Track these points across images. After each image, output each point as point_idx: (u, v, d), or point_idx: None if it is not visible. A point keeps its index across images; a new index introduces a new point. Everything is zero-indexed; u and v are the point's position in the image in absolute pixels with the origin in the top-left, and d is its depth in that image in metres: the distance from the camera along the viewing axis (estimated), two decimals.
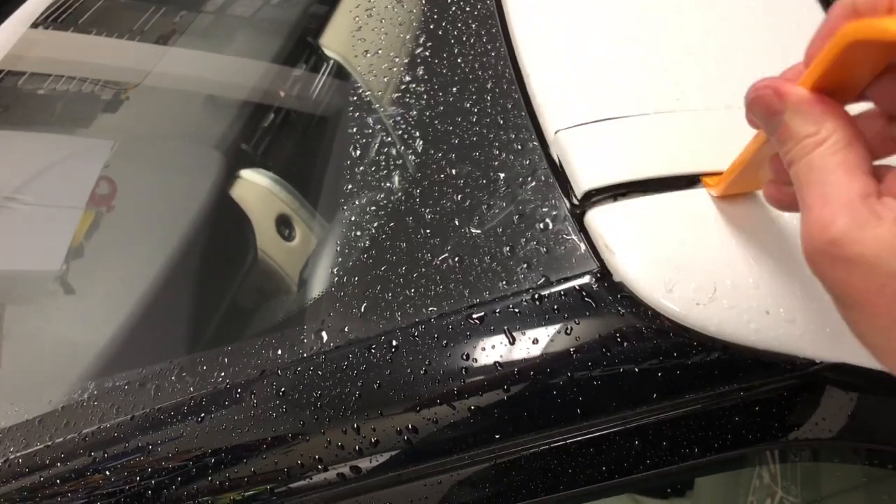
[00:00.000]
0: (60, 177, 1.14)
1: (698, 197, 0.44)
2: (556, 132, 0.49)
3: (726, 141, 0.46)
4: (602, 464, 0.44)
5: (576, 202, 0.46)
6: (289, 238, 0.96)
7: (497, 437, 0.44)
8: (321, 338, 0.49)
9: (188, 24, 1.35)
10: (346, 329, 0.48)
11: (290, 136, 1.10)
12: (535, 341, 0.44)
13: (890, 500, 0.72)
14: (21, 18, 1.38)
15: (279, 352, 0.50)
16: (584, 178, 0.46)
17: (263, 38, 1.30)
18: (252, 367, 0.50)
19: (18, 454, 0.53)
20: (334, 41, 0.99)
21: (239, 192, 1.01)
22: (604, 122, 0.48)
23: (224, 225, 0.99)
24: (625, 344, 0.42)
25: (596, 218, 0.45)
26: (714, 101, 0.49)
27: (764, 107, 0.33)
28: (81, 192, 1.06)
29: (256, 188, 1.03)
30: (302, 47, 1.17)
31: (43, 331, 0.93)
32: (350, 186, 0.57)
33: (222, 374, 0.51)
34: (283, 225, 0.97)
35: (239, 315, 0.89)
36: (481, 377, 0.44)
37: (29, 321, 0.96)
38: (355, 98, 0.63)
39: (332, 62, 1.06)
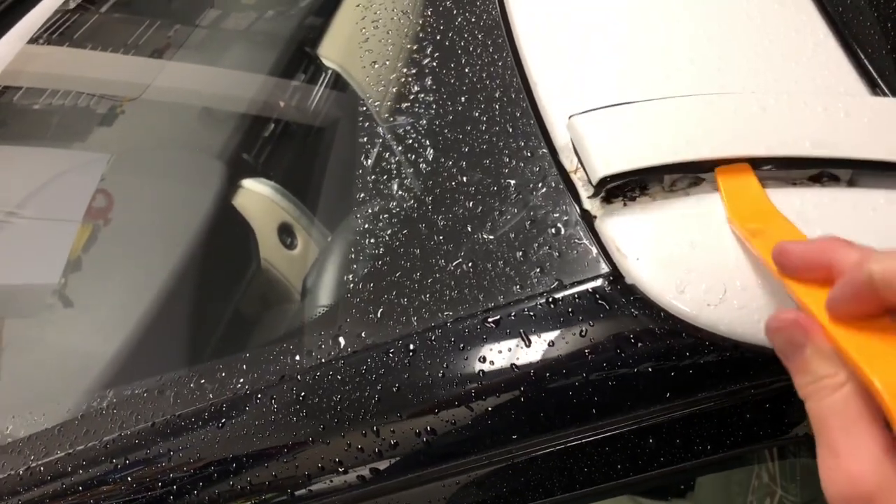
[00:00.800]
0: (57, 191, 1.14)
1: (707, 199, 0.46)
2: (569, 117, 0.48)
3: (747, 125, 0.47)
4: (617, 462, 0.45)
5: (588, 196, 0.47)
6: (291, 246, 0.97)
7: (514, 437, 0.45)
8: (339, 343, 0.49)
9: (184, 38, 1.36)
10: (363, 334, 0.49)
11: (291, 146, 1.11)
12: (551, 343, 0.45)
13: None
14: (19, 34, 1.38)
15: (298, 357, 0.51)
16: (598, 165, 0.45)
17: (260, 49, 1.31)
18: (271, 373, 0.51)
19: (39, 462, 0.54)
20: (333, 51, 1.01)
21: (241, 202, 1.02)
22: (617, 107, 0.48)
23: (227, 234, 1.00)
24: (638, 345, 0.43)
25: (607, 222, 0.46)
26: (726, 87, 0.50)
27: (787, 339, 0.35)
28: (78, 205, 1.06)
29: (258, 197, 1.03)
30: (299, 58, 1.18)
31: (42, 344, 0.93)
32: (361, 195, 0.58)
33: (241, 380, 0.52)
34: (285, 233, 0.97)
35: (243, 323, 0.90)
36: (498, 379, 0.45)
37: (27, 334, 0.96)
38: (363, 108, 0.65)
39: (330, 72, 1.07)
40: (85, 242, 1.04)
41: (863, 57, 0.52)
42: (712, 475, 0.88)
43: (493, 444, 0.45)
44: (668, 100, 0.48)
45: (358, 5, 0.80)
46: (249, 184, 1.05)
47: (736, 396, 0.43)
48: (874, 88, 0.51)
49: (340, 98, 1.01)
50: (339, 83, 1.03)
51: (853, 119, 0.46)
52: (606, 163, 0.46)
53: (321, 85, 1.11)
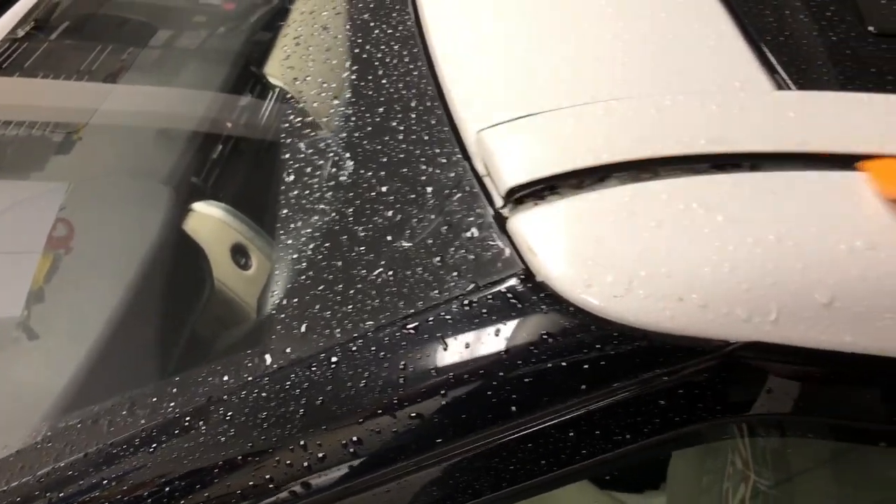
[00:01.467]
0: (16, 222, 1.13)
1: (612, 194, 0.47)
2: (477, 132, 0.51)
3: (644, 128, 0.49)
4: (541, 458, 0.46)
5: (500, 206, 0.49)
6: (245, 267, 0.97)
7: (438, 441, 0.46)
8: (264, 360, 0.50)
9: (135, 60, 1.35)
10: (287, 350, 0.50)
11: (241, 165, 1.11)
12: (468, 346, 0.45)
13: (853, 473, 0.75)
14: None
15: (225, 377, 0.51)
16: (506, 176, 0.48)
17: (210, 69, 1.31)
18: (200, 395, 0.51)
19: None
20: (278, 69, 1.01)
21: (192, 226, 1.02)
22: (522, 120, 0.50)
23: (179, 259, 1.00)
24: (551, 340, 0.44)
25: (518, 222, 0.47)
26: (628, 91, 0.52)
27: None
28: (38, 236, 1.06)
29: (210, 220, 1.03)
30: (248, 76, 1.18)
31: (5, 377, 0.92)
32: (287, 212, 0.59)
33: (172, 403, 0.52)
34: (239, 254, 0.97)
35: (199, 346, 0.90)
36: (419, 385, 0.45)
37: None
38: (287, 125, 0.65)
39: (277, 90, 1.07)
40: (46, 273, 1.04)
41: (763, 45, 0.54)
42: (685, 464, 0.89)
43: (420, 450, 0.46)
44: (568, 109, 0.50)
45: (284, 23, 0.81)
46: (201, 207, 1.05)
47: (649, 384, 0.44)
48: (773, 75, 0.52)
49: (284, 115, 1.01)
50: (285, 100, 1.03)
51: (746, 114, 0.48)
52: (513, 174, 0.47)
53: (268, 102, 1.11)
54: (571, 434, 0.45)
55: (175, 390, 0.53)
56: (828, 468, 0.76)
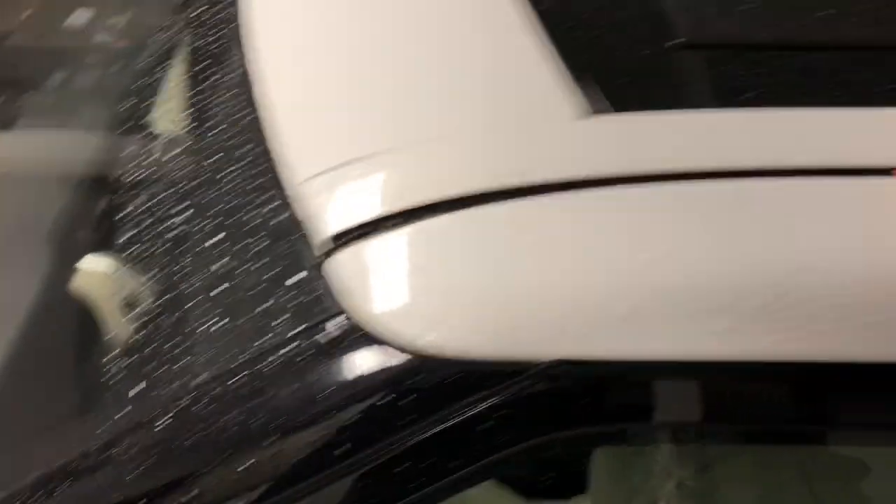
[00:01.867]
0: None
1: (424, 232, 0.48)
2: (298, 184, 0.52)
3: (455, 167, 0.50)
4: (374, 496, 0.46)
5: (320, 251, 0.49)
6: None
7: (275, 489, 0.46)
8: (95, 426, 0.50)
9: (28, 106, 1.32)
10: (117, 415, 0.49)
11: (128, 214, 1.09)
12: (295, 390, 0.46)
13: (766, 454, 0.78)
14: None
15: (61, 447, 0.50)
16: (325, 223, 0.49)
17: (97, 111, 1.28)
18: (39, 466, 0.50)
19: None
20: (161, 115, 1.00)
21: (78, 284, 0.99)
22: (343, 167, 0.51)
23: (67, 321, 0.98)
24: (372, 378, 0.45)
25: (336, 265, 0.48)
26: (443, 130, 0.53)
27: None
28: None
29: (96, 276, 1.01)
30: (128, 121, 1.17)
31: None
32: (130, 266, 0.59)
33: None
34: (131, 308, 0.95)
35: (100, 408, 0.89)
36: (248, 436, 0.46)
37: None
38: (130, 177, 0.65)
39: (162, 134, 1.06)
40: None
41: (573, 70, 0.55)
42: (609, 467, 0.90)
43: (258, 500, 0.46)
44: (384, 154, 0.51)
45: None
46: (86, 263, 1.03)
47: (470, 410, 0.45)
48: (584, 100, 0.53)
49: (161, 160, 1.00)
50: (171, 145, 1.02)
51: (554, 143, 0.49)
52: (331, 222, 0.49)
53: (154, 147, 1.10)
54: (401, 468, 0.46)
55: (16, 461, 0.52)
56: (744, 452, 0.79)
